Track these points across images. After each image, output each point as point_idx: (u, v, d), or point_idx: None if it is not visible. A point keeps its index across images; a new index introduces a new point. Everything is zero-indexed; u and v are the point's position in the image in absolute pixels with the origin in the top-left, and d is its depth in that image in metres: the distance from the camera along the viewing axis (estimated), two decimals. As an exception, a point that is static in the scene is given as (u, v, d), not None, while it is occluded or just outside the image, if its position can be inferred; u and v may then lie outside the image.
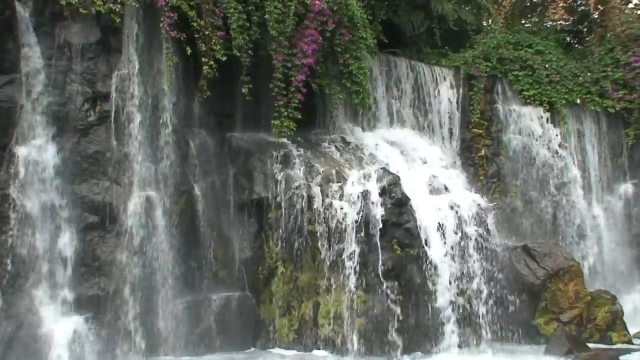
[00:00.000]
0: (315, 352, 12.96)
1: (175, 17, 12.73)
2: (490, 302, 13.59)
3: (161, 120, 12.99)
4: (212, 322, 13.06)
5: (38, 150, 11.84)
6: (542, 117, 17.44)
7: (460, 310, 13.28)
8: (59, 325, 11.52)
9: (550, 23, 22.16)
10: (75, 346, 11.51)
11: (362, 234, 13.09)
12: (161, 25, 12.66)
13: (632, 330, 14.61)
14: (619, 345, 13.93)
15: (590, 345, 13.51)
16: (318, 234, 13.32)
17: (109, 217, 12.30)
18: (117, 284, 12.17)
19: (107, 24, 12.60)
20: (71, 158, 12.15)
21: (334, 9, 14.49)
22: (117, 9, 12.39)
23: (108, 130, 12.42)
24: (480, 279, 13.62)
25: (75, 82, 12.34)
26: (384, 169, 14.06)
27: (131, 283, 12.23)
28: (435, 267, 13.33)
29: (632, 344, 14.14)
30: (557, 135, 17.42)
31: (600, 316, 14.31)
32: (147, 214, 12.48)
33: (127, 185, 12.49)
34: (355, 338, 12.66)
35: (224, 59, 13.35)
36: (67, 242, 11.95)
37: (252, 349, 13.44)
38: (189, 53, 13.10)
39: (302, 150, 14.45)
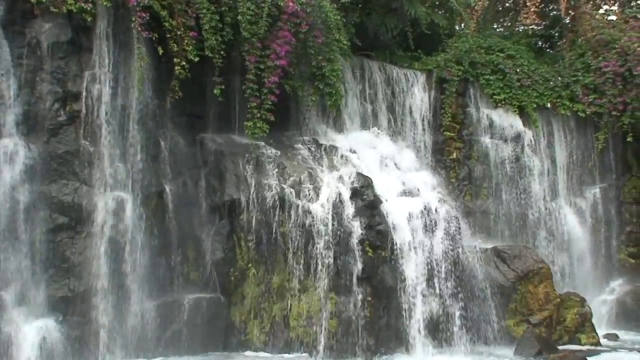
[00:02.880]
0: (286, 355, 12.95)
1: (147, 17, 12.65)
2: (461, 303, 13.67)
3: (132, 121, 12.88)
4: (183, 324, 13.00)
5: (7, 150, 11.69)
6: (513, 120, 17.57)
7: (431, 312, 13.35)
8: (28, 328, 11.40)
9: (522, 27, 22.32)
10: (45, 348, 11.39)
11: (334, 236, 13.10)
12: (133, 25, 12.57)
13: (600, 332, 14.78)
14: (587, 347, 14.10)
15: (560, 346, 13.67)
16: (290, 236, 13.32)
17: (79, 218, 12.18)
18: (87, 285, 12.07)
19: (78, 23, 12.48)
20: (41, 158, 12.00)
21: (308, 10, 14.49)
22: (89, 8, 12.30)
23: (78, 130, 12.30)
24: (451, 280, 13.68)
25: (46, 81, 12.20)
26: (356, 171, 14.08)
27: (101, 284, 12.14)
28: (407, 269, 13.38)
29: (601, 345, 14.33)
30: (527, 138, 17.57)
31: (569, 318, 14.47)
32: (118, 214, 12.40)
33: (98, 186, 12.38)
34: (326, 339, 12.67)
35: (196, 59, 13.30)
36: (36, 243, 11.82)
37: (223, 351, 13.38)
38: (160, 53, 13.03)
39: (274, 151, 14.40)
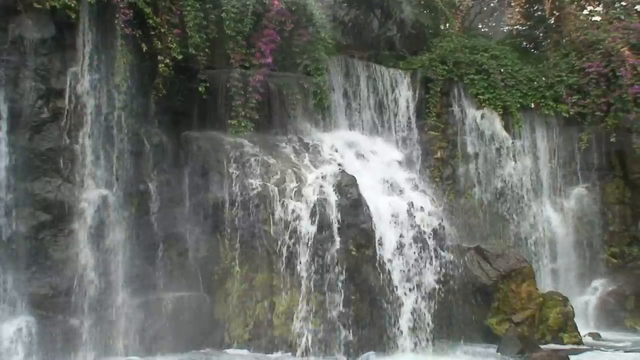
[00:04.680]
0: (269, 353, 12.94)
1: (131, 14, 12.59)
2: (444, 302, 13.69)
3: (116, 118, 12.83)
4: (166, 322, 12.95)
5: (-11, 147, 11.66)
6: (496, 120, 17.65)
7: (414, 311, 13.36)
8: (9, 325, 11.36)
9: (507, 28, 22.42)
10: (26, 346, 11.36)
11: (318, 235, 13.08)
12: (116, 22, 12.51)
13: (582, 331, 14.84)
14: (570, 346, 14.14)
15: (542, 345, 13.70)
16: (274, 234, 13.30)
17: (62, 216, 12.13)
18: (70, 283, 12.02)
19: (62, 19, 12.39)
20: (23, 155, 11.95)
21: (293, 9, 14.49)
22: (73, 5, 12.21)
23: (61, 127, 12.24)
24: (434, 279, 13.69)
25: (29, 78, 12.13)
26: (340, 169, 14.09)
27: (84, 282, 12.09)
28: (390, 268, 13.39)
29: (583, 344, 14.38)
30: (511, 139, 17.66)
31: (551, 317, 14.52)
32: (101, 212, 12.36)
33: (81, 183, 12.34)
34: (309, 338, 12.65)
35: (180, 57, 13.27)
36: (18, 241, 11.76)
37: (207, 349, 13.33)
38: (144, 50, 12.99)
39: (258, 150, 14.39)
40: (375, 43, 19.21)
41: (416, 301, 13.46)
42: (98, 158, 12.55)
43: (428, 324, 13.45)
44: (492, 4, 23.35)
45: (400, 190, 14.85)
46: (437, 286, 13.69)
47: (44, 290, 11.87)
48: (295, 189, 13.63)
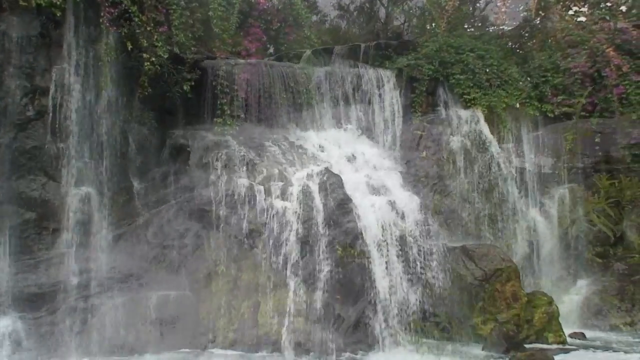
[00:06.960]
0: (254, 352, 12.92)
1: (116, 13, 12.57)
2: (429, 301, 13.72)
3: (100, 116, 12.84)
4: (151, 321, 12.90)
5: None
6: (482, 120, 17.67)
7: (399, 310, 13.38)
8: (-6, 323, 11.34)
9: (493, 28, 22.45)
10: (11, 345, 11.33)
11: (304, 234, 13.09)
12: (101, 20, 12.48)
13: (567, 331, 14.86)
14: (554, 346, 14.16)
15: (527, 345, 13.72)
16: (259, 234, 13.29)
17: (47, 214, 12.11)
18: (55, 281, 12.00)
19: (47, 17, 12.40)
20: (8, 153, 11.93)
21: (279, 7, 14.50)
22: (58, 2, 12.21)
23: (46, 125, 12.23)
24: (419, 279, 13.72)
25: (14, 75, 12.13)
26: (326, 169, 14.10)
27: (69, 281, 12.08)
28: (375, 267, 13.40)
29: (567, 344, 14.39)
30: (496, 138, 17.69)
31: (536, 317, 14.52)
32: (85, 210, 12.34)
33: (65, 182, 12.33)
34: (295, 337, 12.65)
35: (166, 55, 13.24)
36: (2, 239, 11.71)
37: (192, 348, 13.28)
38: (130, 48, 12.96)
39: (244, 148, 14.37)
40: (382, 32, 19.19)
41: (401, 300, 13.48)
42: (83, 156, 12.54)
43: (413, 324, 13.47)
44: (478, 4, 23.41)
45: (386, 190, 14.86)
46: (422, 286, 13.71)
47: (29, 288, 11.85)
48: (281, 189, 13.63)
